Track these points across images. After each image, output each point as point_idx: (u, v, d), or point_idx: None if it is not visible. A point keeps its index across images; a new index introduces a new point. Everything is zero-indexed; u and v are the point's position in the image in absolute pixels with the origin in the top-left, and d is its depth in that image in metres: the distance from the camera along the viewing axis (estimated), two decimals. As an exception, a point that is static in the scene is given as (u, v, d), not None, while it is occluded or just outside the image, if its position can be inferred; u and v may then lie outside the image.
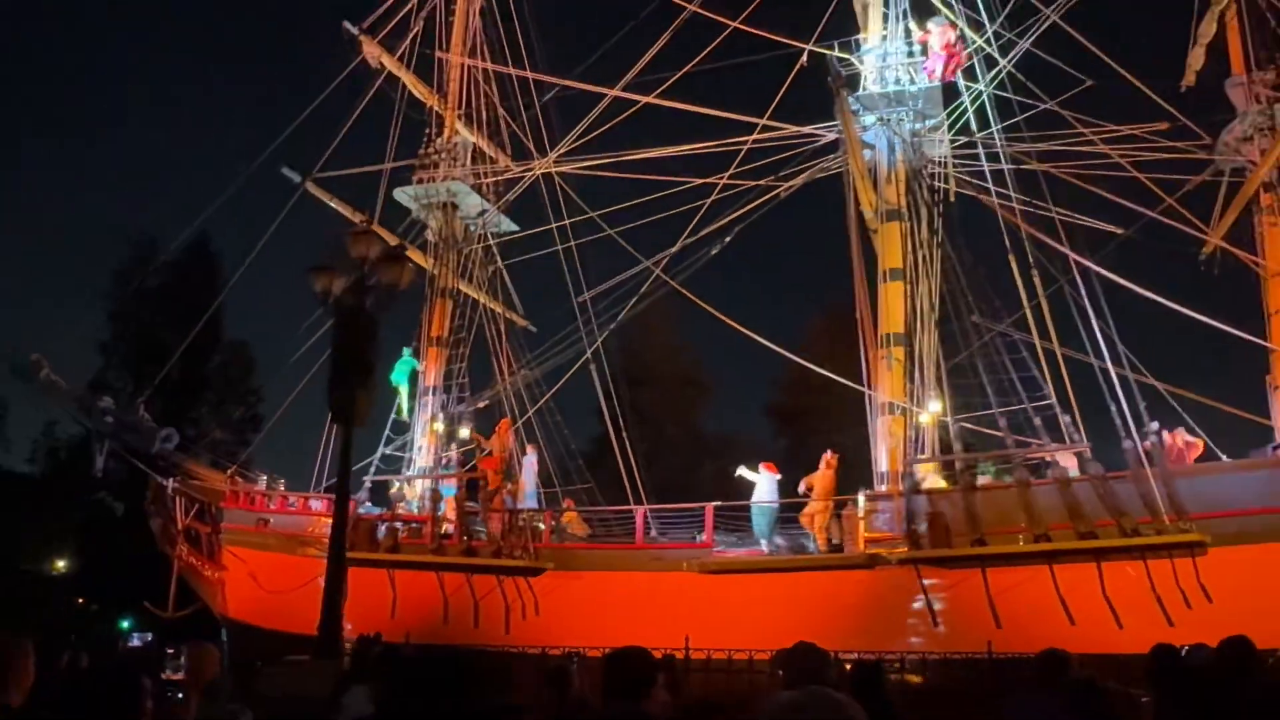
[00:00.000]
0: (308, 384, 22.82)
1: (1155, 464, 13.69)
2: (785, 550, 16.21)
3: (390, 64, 22.28)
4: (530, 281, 26.12)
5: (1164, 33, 20.52)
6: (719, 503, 16.25)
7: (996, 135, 18.32)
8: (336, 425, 13.95)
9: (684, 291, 19.73)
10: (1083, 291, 15.47)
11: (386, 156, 23.44)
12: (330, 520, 18.72)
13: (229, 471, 22.82)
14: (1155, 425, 13.92)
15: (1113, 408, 14.27)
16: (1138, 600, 13.41)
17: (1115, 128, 18.22)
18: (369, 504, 18.89)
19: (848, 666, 6.80)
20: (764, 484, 15.84)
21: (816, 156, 20.13)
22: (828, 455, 15.82)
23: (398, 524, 17.89)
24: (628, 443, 21.44)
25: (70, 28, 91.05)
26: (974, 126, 18.90)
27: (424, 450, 21.29)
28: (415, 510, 18.64)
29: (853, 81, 19.25)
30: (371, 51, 21.91)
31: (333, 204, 21.45)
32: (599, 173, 22.49)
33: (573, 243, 22.58)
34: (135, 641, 32.47)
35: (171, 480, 20.66)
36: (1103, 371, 14.58)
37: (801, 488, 15.88)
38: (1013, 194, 17.83)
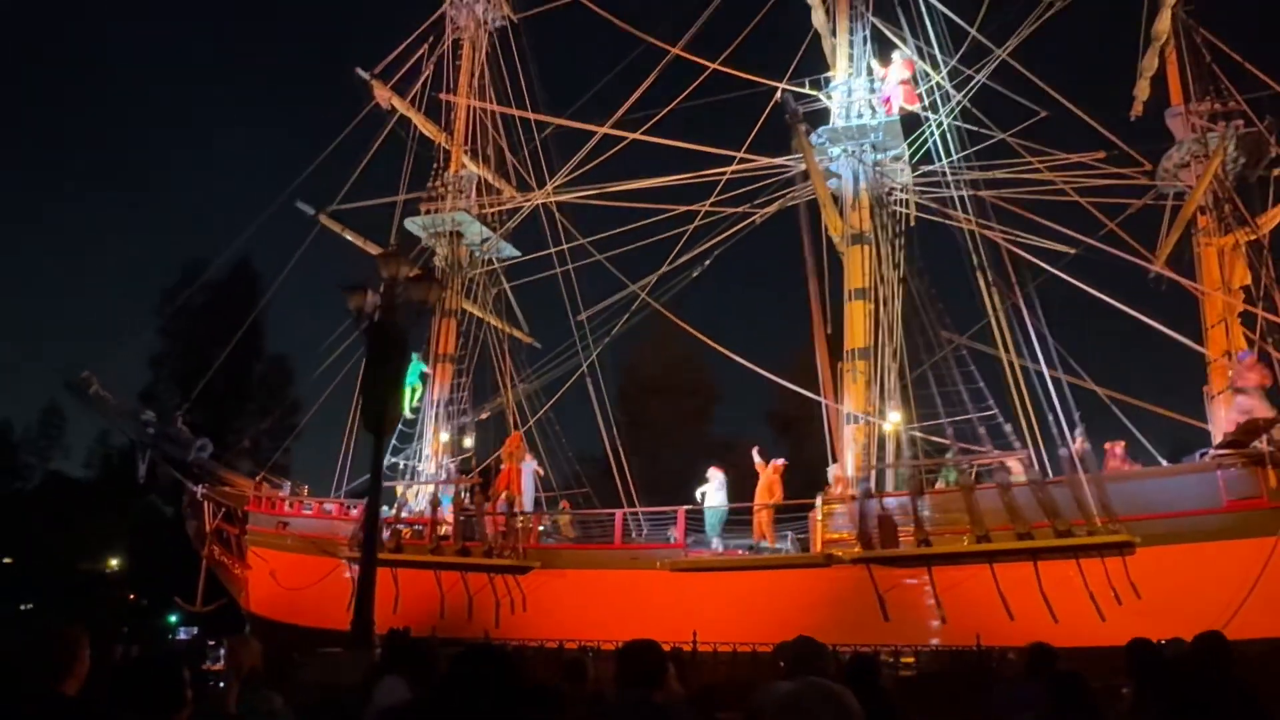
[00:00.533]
0: (332, 395, 23.51)
1: (1088, 470, 13.68)
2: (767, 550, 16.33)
3: (400, 105, 22.72)
4: (536, 301, 26.48)
5: (1118, 65, 20.48)
6: (689, 506, 16.37)
7: (947, 167, 18.43)
8: (369, 432, 14.06)
9: (665, 312, 20.00)
10: (1022, 306, 15.52)
11: (401, 188, 23.94)
12: (341, 523, 19.16)
13: (257, 478, 23.25)
14: (1080, 429, 13.94)
15: (1049, 416, 14.28)
16: (1072, 597, 13.41)
17: (1065, 156, 18.28)
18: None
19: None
20: (713, 487, 15.97)
21: (788, 186, 20.37)
22: (776, 462, 16.00)
23: (400, 526, 18.12)
24: (621, 449, 21.63)
25: (115, 82, 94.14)
26: (936, 156, 19.02)
27: (430, 459, 21.60)
28: (417, 514, 18.89)
29: (820, 116, 19.48)
30: (383, 94, 22.36)
31: (346, 235, 21.88)
32: (592, 201, 22.80)
33: (570, 266, 22.94)
34: (183, 635, 32.97)
35: (200, 486, 21.03)
36: (1038, 376, 14.62)
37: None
38: (967, 218, 17.94)
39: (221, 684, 8.34)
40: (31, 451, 39.00)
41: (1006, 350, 16.07)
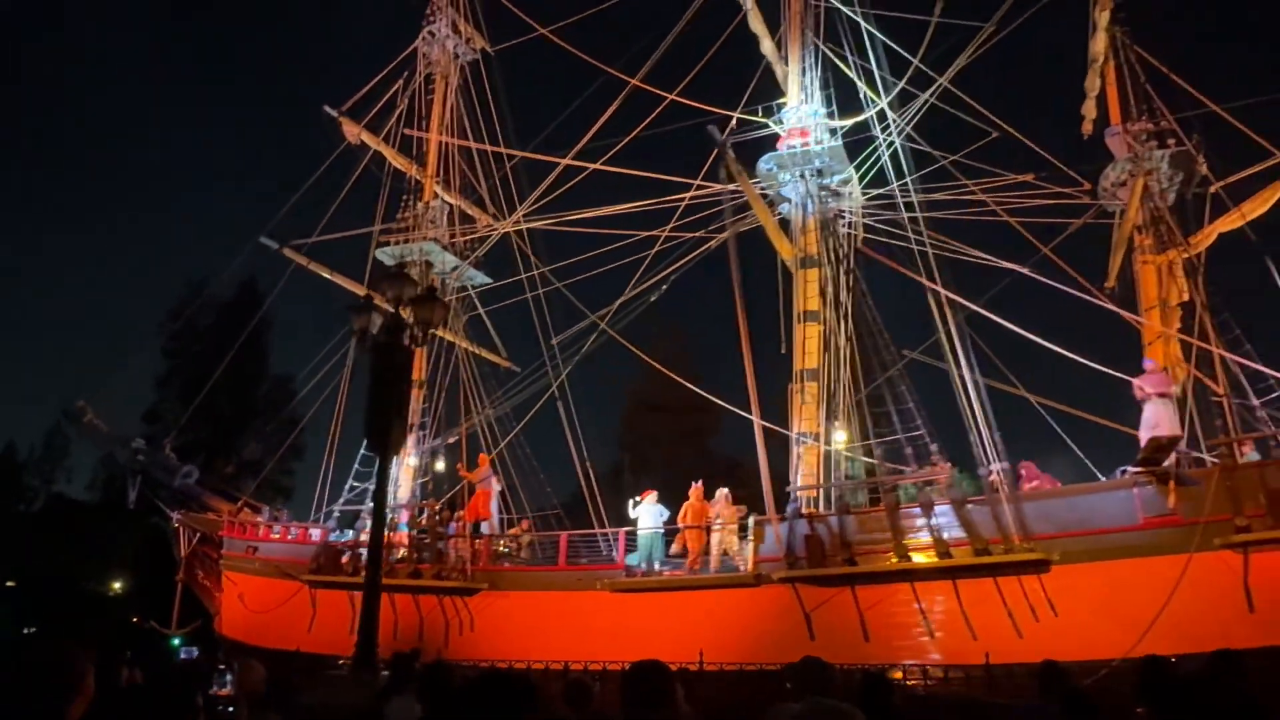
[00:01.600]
0: (327, 416, 24.01)
1: (1006, 489, 13.82)
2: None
3: (370, 140, 23.37)
4: (516, 325, 27.00)
5: (1070, 85, 20.64)
6: (629, 528, 16.66)
7: (895, 190, 18.68)
8: (372, 453, 13.82)
9: (621, 340, 20.36)
10: (953, 331, 15.70)
11: (377, 219, 24.61)
12: (307, 547, 19.66)
13: (238, 503, 23.88)
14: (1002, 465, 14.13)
15: (971, 436, 14.44)
16: (991, 615, 13.53)
17: (998, 178, 18.47)
18: (338, 531, 19.65)
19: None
20: (645, 511, 16.26)
21: (740, 211, 20.71)
22: (695, 485, 16.33)
23: (360, 550, 18.56)
24: (590, 471, 21.98)
25: (111, 126, 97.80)
26: (890, 178, 19.27)
27: (400, 483, 22.05)
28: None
29: (771, 144, 19.83)
30: (351, 130, 23.04)
31: (311, 267, 22.52)
32: (559, 228, 23.30)
33: (540, 291, 23.47)
34: (183, 655, 33.60)
35: (176, 513, 21.66)
36: (979, 394, 14.80)
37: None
38: (917, 237, 18.16)
39: (231, 709, 8.60)
40: (35, 474, 40.00)
41: (957, 364, 16.28)
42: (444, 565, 16.98)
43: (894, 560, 14.03)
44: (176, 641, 35.68)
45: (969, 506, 13.99)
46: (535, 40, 24.56)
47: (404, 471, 22.25)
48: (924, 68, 18.65)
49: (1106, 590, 13.17)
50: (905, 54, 18.73)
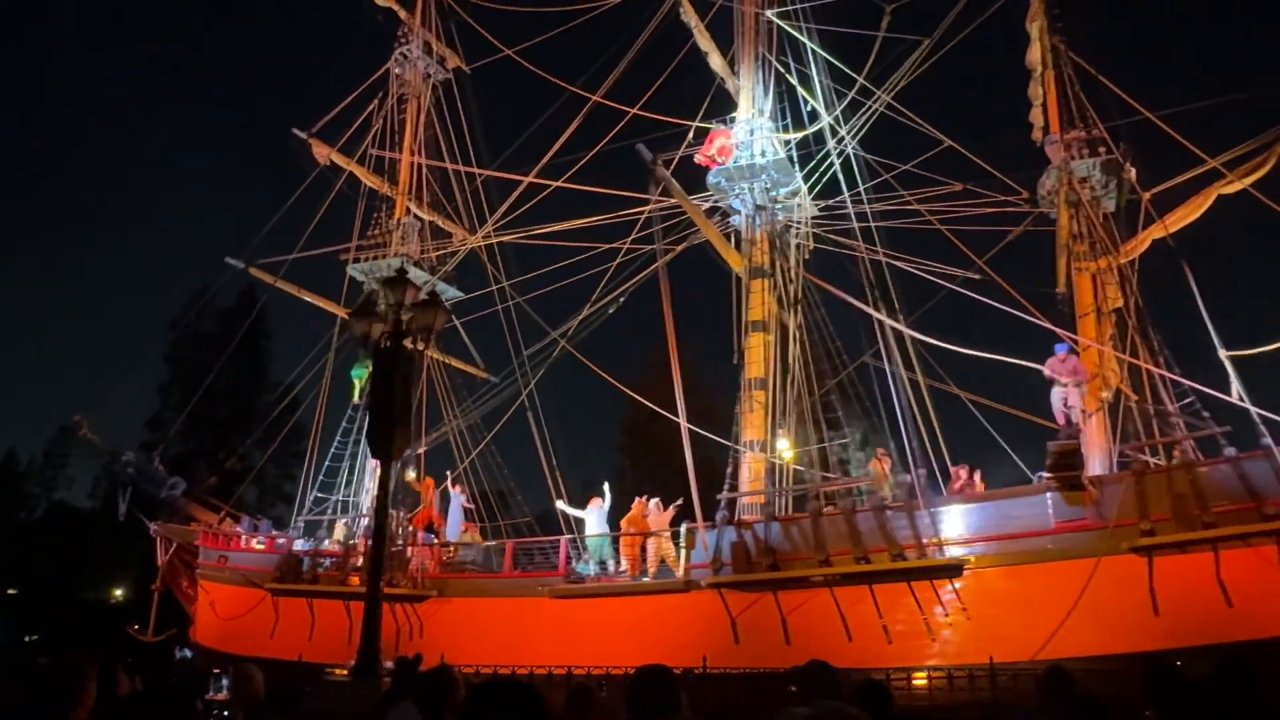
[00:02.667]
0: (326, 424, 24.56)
1: (921, 496, 14.08)
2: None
3: (340, 160, 24.03)
4: (489, 336, 27.51)
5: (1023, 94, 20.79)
6: (571, 535, 17.07)
7: (844, 200, 19.00)
8: (375, 458, 13.82)
9: (577, 354, 20.78)
10: (880, 346, 16.01)
11: (354, 235, 25.29)
12: (271, 558, 20.24)
13: (220, 513, 24.58)
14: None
15: (892, 445, 14.72)
16: (906, 619, 13.78)
17: (946, 185, 18.70)
18: (302, 540, 20.24)
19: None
20: (591, 517, 16.65)
21: (684, 225, 21.08)
22: (640, 500, 16.68)
23: (319, 559, 19.14)
24: (559, 476, 22.43)
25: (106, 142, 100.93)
26: (845, 186, 19.57)
27: (369, 493, 22.62)
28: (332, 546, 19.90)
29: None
30: (321, 152, 23.69)
31: (278, 284, 23.20)
32: (529, 241, 23.81)
33: (510, 303, 24.00)
34: (178, 655, 34.41)
35: (153, 524, 22.35)
36: (890, 410, 15.08)
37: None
38: (866, 248, 18.49)
39: (227, 713, 8.97)
40: (36, 482, 40.95)
41: (892, 377, 16.57)
42: (396, 573, 17.45)
43: (815, 565, 14.32)
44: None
45: (887, 513, 14.25)
46: (507, 58, 25.14)
47: (373, 481, 22.83)
48: (867, 84, 18.97)
49: (1018, 594, 13.39)
50: (850, 71, 19.06)
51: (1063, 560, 13.35)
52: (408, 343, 11.32)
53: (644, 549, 16.38)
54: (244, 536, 21.76)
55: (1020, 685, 12.64)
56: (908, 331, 16.20)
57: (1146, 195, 17.50)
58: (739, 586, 14.70)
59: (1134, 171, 16.84)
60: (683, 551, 15.71)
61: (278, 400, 25.83)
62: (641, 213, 21.22)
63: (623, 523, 16.59)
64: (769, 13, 19.40)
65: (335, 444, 22.33)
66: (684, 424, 16.28)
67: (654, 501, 16.88)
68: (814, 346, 18.64)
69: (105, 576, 35.71)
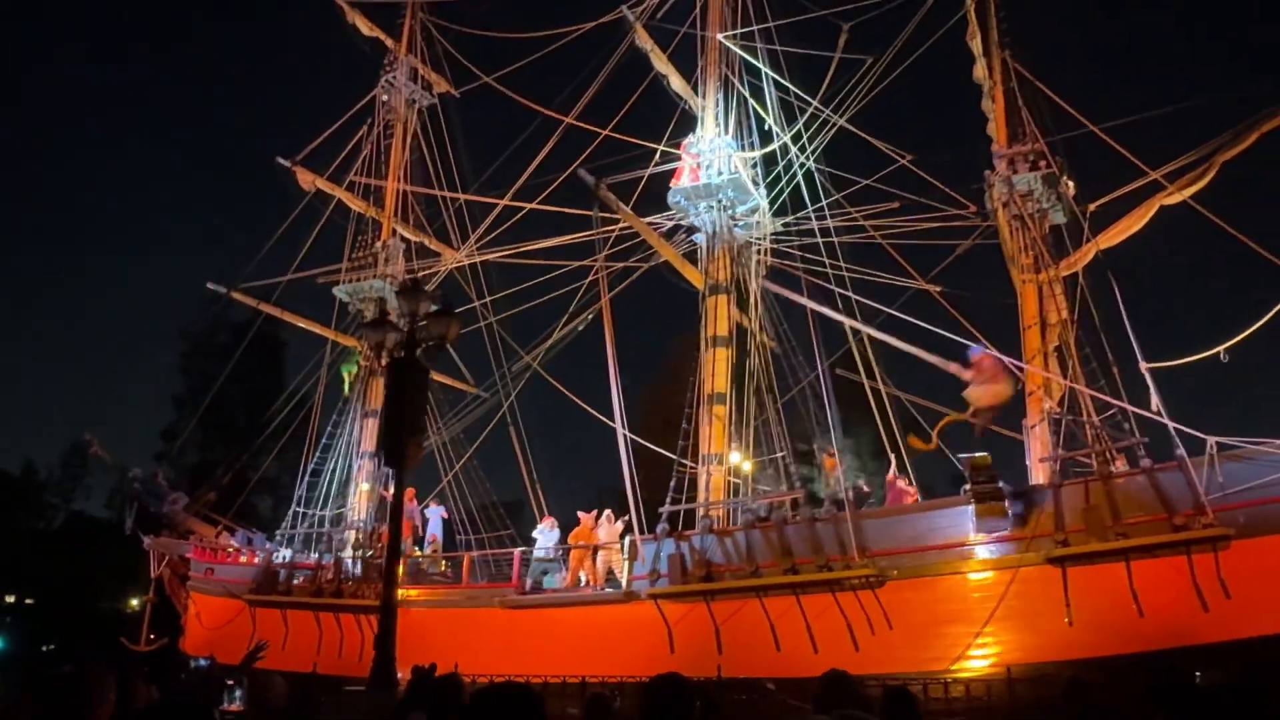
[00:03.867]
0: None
1: (846, 509, 14.37)
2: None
3: (325, 186, 24.92)
4: (472, 351, 28.22)
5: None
6: (525, 548, 17.59)
7: (803, 216, 19.39)
8: (389, 467, 13.65)
9: (544, 375, 21.37)
10: (817, 366, 16.36)
11: (345, 257, 26.17)
12: (252, 570, 21.03)
13: (218, 527, 25.50)
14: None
15: (819, 457, 15.02)
16: (832, 628, 14.07)
17: (888, 204, 18.96)
18: (284, 552, 21.00)
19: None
20: (544, 537, 17.15)
21: (667, 237, 21.56)
22: (586, 514, 17.17)
23: (295, 571, 19.89)
24: (539, 488, 23.03)
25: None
26: (809, 201, 19.93)
27: (357, 508, 23.36)
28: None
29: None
30: (306, 179, 24.59)
31: (262, 307, 24.12)
32: (509, 260, 24.45)
33: (493, 319, 24.72)
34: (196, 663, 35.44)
35: (146, 537, 23.30)
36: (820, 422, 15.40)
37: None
38: (821, 265, 18.85)
39: None
40: (54, 492, 42.24)
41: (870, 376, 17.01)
42: (363, 585, 18.11)
43: (747, 577, 14.67)
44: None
45: (816, 525, 14.56)
46: (496, 79, 25.73)
47: (360, 497, 23.59)
48: (819, 107, 19.29)
49: (940, 604, 13.63)
50: (801, 94, 19.41)
51: (982, 571, 13.56)
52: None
53: (595, 561, 16.84)
54: (235, 550, 22.57)
55: (930, 693, 12.92)
56: (867, 330, 16.52)
57: (1091, 207, 17.63)
58: (674, 597, 15.10)
59: (1071, 185, 16.97)
60: (626, 564, 16.13)
61: (278, 413, 26.50)
62: (606, 233, 21.80)
63: (570, 537, 17.07)
64: (720, 36, 19.80)
65: (319, 448, 23.07)
66: (621, 430, 16.73)
67: (606, 513, 17.34)
68: (776, 361, 19.06)
69: (120, 586, 36.70)
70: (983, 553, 13.61)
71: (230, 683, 25.46)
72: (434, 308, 11.83)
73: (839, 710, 2.59)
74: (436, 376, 26.01)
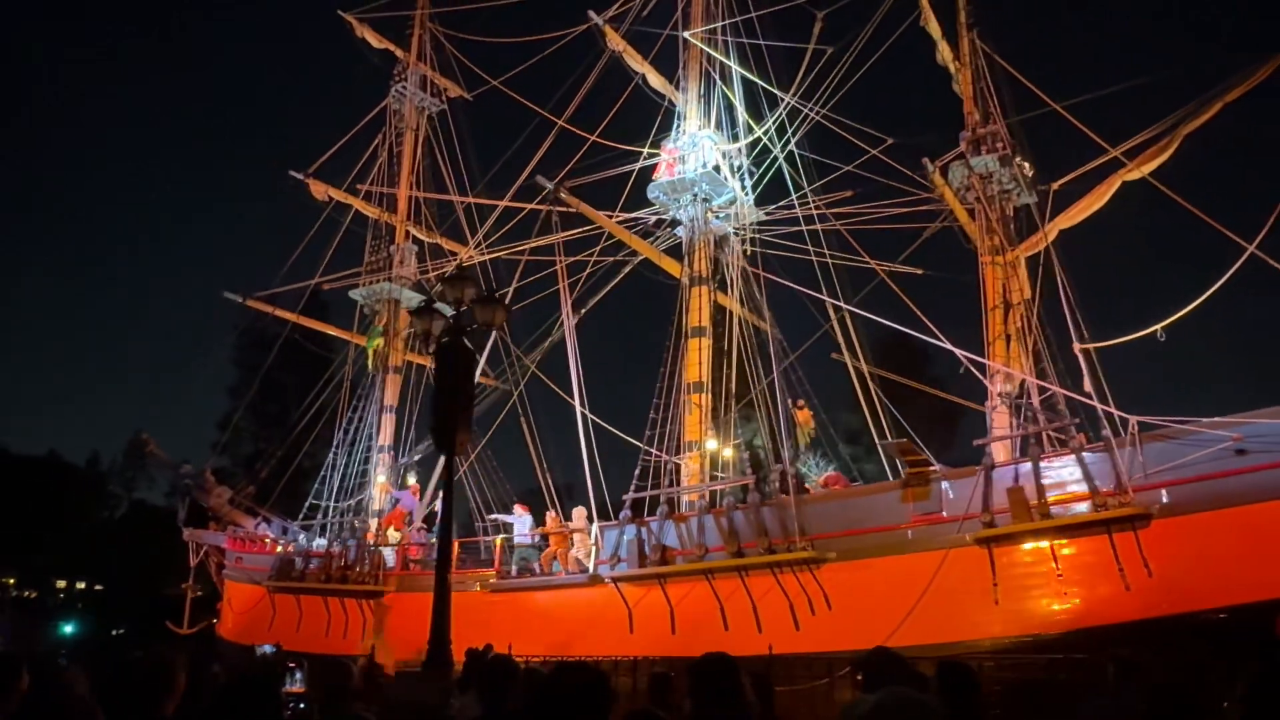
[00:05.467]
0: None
1: (789, 493, 14.90)
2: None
3: (338, 195, 26.32)
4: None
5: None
6: (504, 536, 18.61)
7: (780, 206, 19.82)
8: (440, 452, 14.08)
9: (540, 374, 22.19)
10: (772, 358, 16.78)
11: (364, 262, 27.60)
12: (271, 558, 22.60)
13: (257, 518, 27.33)
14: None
15: (765, 443, 15.55)
16: (775, 609, 14.65)
17: (849, 192, 19.21)
18: (301, 540, 22.53)
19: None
20: (520, 523, 18.10)
21: (647, 235, 22.20)
22: (553, 514, 18.08)
23: (312, 559, 21.37)
24: (548, 477, 24.08)
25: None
26: (792, 190, 20.33)
27: (374, 499, 24.80)
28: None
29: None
30: (319, 189, 26.03)
31: (275, 313, 25.70)
32: (514, 256, 25.42)
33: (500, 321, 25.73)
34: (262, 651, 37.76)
35: (186, 530, 25.20)
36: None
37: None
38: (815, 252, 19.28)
39: (302, 705, 10.06)
40: (118, 482, 45.13)
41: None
42: (357, 569, 19.43)
43: (698, 560, 15.35)
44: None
45: (762, 509, 15.13)
46: (505, 84, 26.55)
47: (378, 488, 25.02)
48: (790, 99, 19.57)
49: (875, 584, 14.07)
50: (771, 88, 19.76)
51: (916, 552, 13.93)
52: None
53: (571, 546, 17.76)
54: (261, 540, 24.25)
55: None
56: (848, 308, 17.02)
57: (1054, 186, 17.61)
58: (632, 580, 15.88)
59: (1026, 165, 16.96)
60: (593, 549, 16.98)
61: (309, 408, 27.99)
62: (587, 232, 22.44)
63: (542, 530, 18.02)
64: (686, 34, 20.23)
65: (334, 443, 24.47)
66: (580, 410, 17.51)
67: (579, 508, 18.21)
68: (759, 348, 19.62)
69: (184, 573, 39.01)
70: (915, 535, 13.98)
71: (292, 665, 27.43)
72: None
73: (887, 688, 2.57)
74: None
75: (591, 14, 20.04)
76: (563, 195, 19.01)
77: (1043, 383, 13.99)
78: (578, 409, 17.78)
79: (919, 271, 19.73)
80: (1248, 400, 13.25)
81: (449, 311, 11.42)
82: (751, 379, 19.52)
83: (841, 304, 18.28)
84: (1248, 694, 2.95)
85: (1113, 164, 16.68)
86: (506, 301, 20.52)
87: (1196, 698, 4.26)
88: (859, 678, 4.63)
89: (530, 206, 20.39)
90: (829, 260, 18.79)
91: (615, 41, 20.51)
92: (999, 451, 15.40)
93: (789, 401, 18.43)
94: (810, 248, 19.01)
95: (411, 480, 25.57)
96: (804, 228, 19.32)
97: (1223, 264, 14.51)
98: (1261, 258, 13.93)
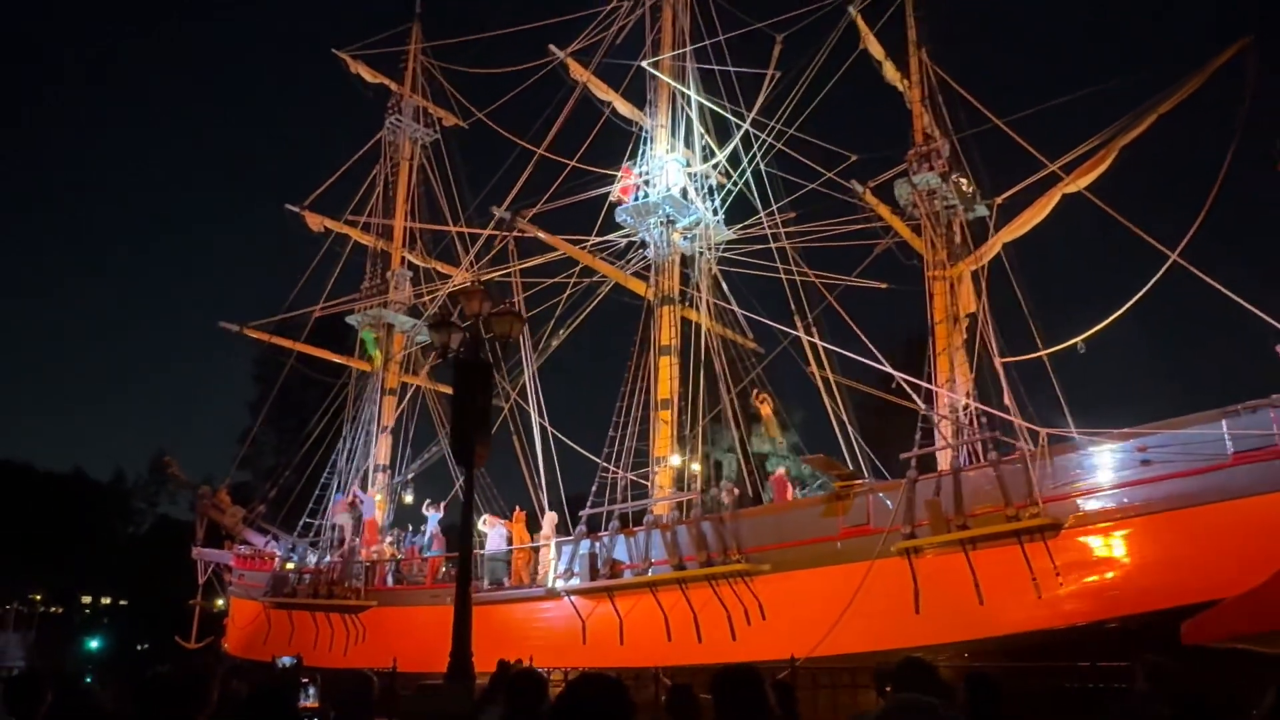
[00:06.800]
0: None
1: (726, 509, 15.49)
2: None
3: (333, 225, 27.54)
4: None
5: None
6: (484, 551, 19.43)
7: (756, 224, 20.46)
8: (459, 464, 14.86)
9: (517, 399, 22.93)
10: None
11: (364, 289, 28.79)
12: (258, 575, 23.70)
13: (268, 536, 28.56)
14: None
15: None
16: (713, 619, 15.22)
17: (793, 213, 19.75)
18: (294, 556, 23.61)
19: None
20: (492, 535, 18.89)
21: (619, 258, 22.94)
22: (519, 511, 18.80)
23: (304, 574, 22.42)
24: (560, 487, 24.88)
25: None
26: (761, 207, 20.92)
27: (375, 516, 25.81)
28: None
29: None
30: (314, 221, 27.27)
31: (272, 340, 26.92)
32: (504, 279, 26.36)
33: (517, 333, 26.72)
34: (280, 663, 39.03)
35: (195, 547, 26.49)
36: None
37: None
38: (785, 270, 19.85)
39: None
40: (142, 497, 46.76)
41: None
42: (339, 585, 20.40)
43: (644, 573, 15.99)
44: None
45: (702, 524, 15.72)
46: (498, 112, 27.39)
47: (376, 507, 26.04)
48: (740, 122, 20.14)
49: (808, 595, 14.57)
50: (721, 109, 20.42)
51: (844, 563, 14.41)
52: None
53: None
54: (260, 557, 25.41)
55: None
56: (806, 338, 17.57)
57: (998, 200, 17.99)
58: (584, 593, 16.56)
59: (964, 181, 17.35)
60: (553, 562, 17.70)
61: (314, 430, 29.10)
62: (551, 259, 23.15)
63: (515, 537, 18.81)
64: (645, 63, 20.95)
65: (329, 463, 25.54)
66: (538, 421, 18.21)
67: (550, 514, 18.96)
68: (729, 364, 20.27)
69: (209, 587, 40.57)
70: (844, 546, 14.46)
71: (305, 680, 28.48)
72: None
73: (902, 694, 2.61)
74: (443, 388, 28.22)
75: (553, 48, 20.89)
76: (520, 223, 19.78)
77: (952, 394, 14.37)
78: (535, 421, 18.52)
79: (883, 285, 20.26)
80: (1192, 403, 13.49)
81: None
82: (725, 388, 20.16)
83: (791, 330, 18.78)
84: (1276, 702, 3.04)
85: (1055, 177, 17.01)
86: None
87: (1224, 703, 4.36)
88: (887, 689, 4.60)
89: (486, 233, 21.21)
90: (784, 277, 19.38)
91: (579, 73, 21.33)
92: (944, 463, 15.81)
93: (754, 394, 19.14)
94: (780, 265, 19.60)
95: (409, 498, 26.61)
96: (762, 246, 20.00)
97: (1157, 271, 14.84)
98: (1184, 265, 14.24)
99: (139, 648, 36.42)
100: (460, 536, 12.59)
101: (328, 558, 21.99)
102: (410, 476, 26.17)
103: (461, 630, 10.41)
